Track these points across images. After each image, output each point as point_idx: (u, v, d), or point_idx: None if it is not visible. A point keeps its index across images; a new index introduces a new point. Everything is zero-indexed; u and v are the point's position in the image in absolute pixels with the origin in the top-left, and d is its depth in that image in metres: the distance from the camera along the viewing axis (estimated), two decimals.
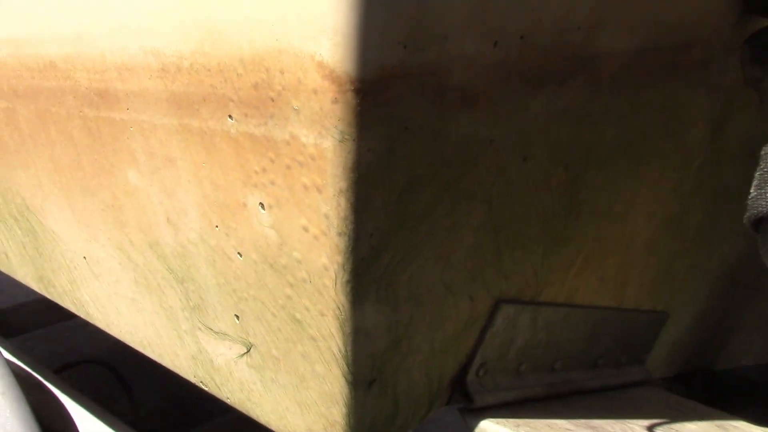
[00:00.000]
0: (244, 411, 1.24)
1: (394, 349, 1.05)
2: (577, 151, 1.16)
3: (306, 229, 0.93)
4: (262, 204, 0.97)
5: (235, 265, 1.07)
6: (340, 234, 0.89)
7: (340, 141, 0.83)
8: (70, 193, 1.34)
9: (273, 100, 0.88)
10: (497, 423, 1.19)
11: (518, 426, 1.18)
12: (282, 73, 0.85)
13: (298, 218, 0.93)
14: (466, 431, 1.21)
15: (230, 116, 0.95)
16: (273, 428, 1.20)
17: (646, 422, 1.38)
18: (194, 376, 1.31)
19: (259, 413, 1.21)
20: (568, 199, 1.21)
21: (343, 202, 0.87)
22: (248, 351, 1.14)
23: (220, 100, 0.95)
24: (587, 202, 1.25)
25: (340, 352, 0.99)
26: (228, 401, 1.27)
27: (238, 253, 1.06)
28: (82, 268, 1.44)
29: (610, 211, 1.34)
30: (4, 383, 2.00)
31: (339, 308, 0.95)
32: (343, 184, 0.86)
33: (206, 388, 1.30)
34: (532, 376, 1.38)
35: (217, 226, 1.07)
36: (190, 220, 1.11)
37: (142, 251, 1.25)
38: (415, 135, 0.89)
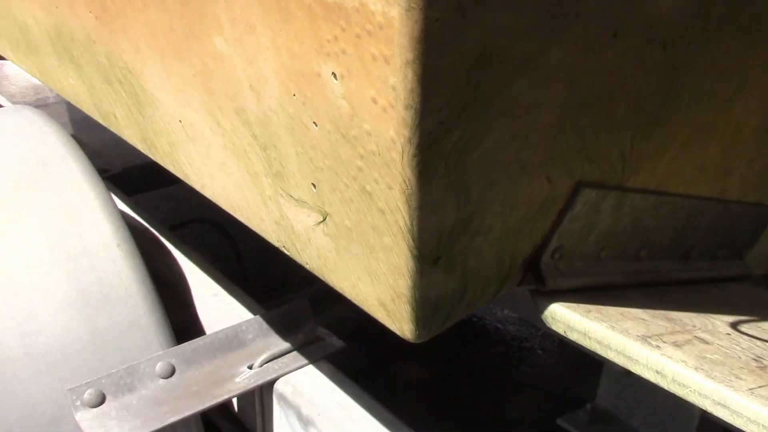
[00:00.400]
0: (321, 277, 1.29)
1: (463, 226, 1.05)
2: (678, 28, 1.07)
3: (375, 101, 0.92)
4: (334, 74, 0.97)
5: (311, 134, 1.09)
6: (406, 107, 0.88)
7: (406, 9, 0.80)
8: (165, 58, 1.38)
9: None
10: (567, 307, 1.18)
11: (589, 312, 1.17)
12: None
13: (368, 89, 0.92)
14: (536, 313, 1.21)
15: None
16: (347, 295, 1.25)
17: (731, 318, 1.34)
18: (278, 241, 1.36)
19: (333, 280, 1.25)
20: (666, 80, 1.13)
21: (410, 73, 0.85)
22: (324, 220, 1.17)
23: None
24: (688, 84, 1.16)
25: (406, 225, 1.00)
26: (307, 267, 1.32)
27: (314, 122, 1.06)
28: (178, 132, 1.50)
29: (714, 95, 1.24)
30: (119, 236, 2.16)
31: (405, 182, 0.95)
32: (409, 55, 0.83)
33: (288, 253, 1.36)
34: (612, 263, 1.35)
35: (294, 95, 1.07)
36: (270, 88, 1.12)
37: (229, 117, 1.28)
38: (489, 5, 0.84)
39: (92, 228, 2.12)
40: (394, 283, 1.09)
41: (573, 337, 1.15)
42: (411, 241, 1.01)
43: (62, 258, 2.07)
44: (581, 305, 1.19)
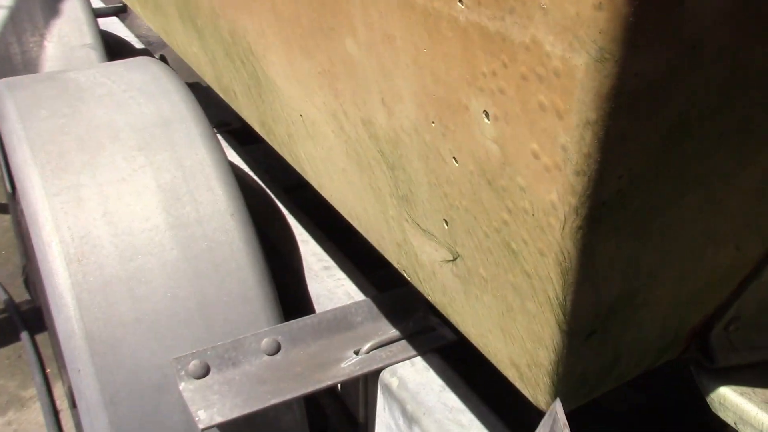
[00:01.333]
0: (444, 314, 1.14)
1: (626, 300, 0.86)
2: None
3: (536, 156, 0.74)
4: (486, 112, 0.79)
5: (449, 168, 0.92)
6: (577, 173, 0.69)
7: (596, 60, 0.61)
8: (290, 47, 1.23)
9: None
10: (741, 393, 0.98)
11: None
12: None
13: (528, 140, 0.74)
14: (702, 393, 1.01)
15: (460, 0, 0.75)
16: (472, 341, 1.09)
17: None
18: (398, 263, 1.21)
19: (459, 322, 1.10)
20: None
21: (588, 135, 0.66)
22: (454, 260, 1.01)
23: None
24: None
25: (557, 299, 0.82)
26: (429, 299, 1.17)
27: (454, 157, 0.89)
28: (298, 125, 1.36)
29: None
30: (234, 205, 2.08)
31: (563, 254, 0.77)
32: (591, 115, 0.64)
33: (409, 279, 1.21)
34: None
35: (433, 123, 0.90)
36: (405, 107, 0.95)
37: (354, 125, 1.13)
38: (706, 57, 0.63)
39: (207, 195, 2.06)
40: (533, 350, 0.92)
41: None
42: (561, 316, 0.84)
43: (176, 224, 2.02)
44: (758, 390, 0.98)
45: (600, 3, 0.58)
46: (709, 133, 0.70)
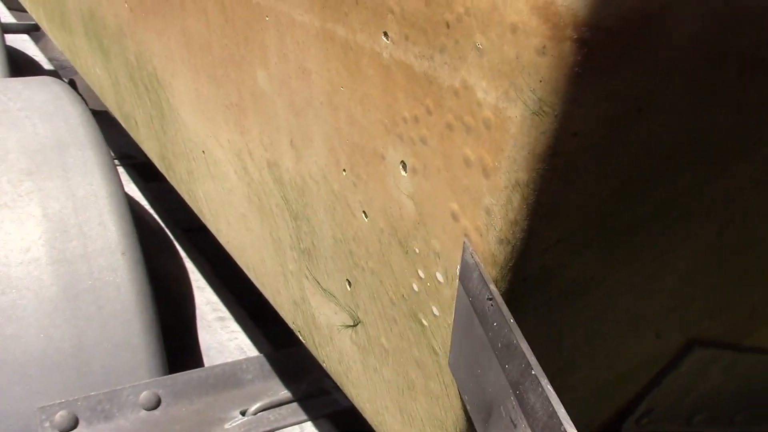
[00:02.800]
0: (338, 384, 1.03)
1: None
2: None
3: (455, 218, 0.65)
4: (404, 164, 0.70)
5: (357, 223, 0.82)
6: (501, 241, 0.60)
7: (534, 112, 0.53)
8: (198, 76, 1.12)
9: (448, 27, 0.58)
10: None
11: None
12: None
13: (448, 199, 0.65)
14: None
15: (386, 34, 0.66)
16: (367, 418, 0.98)
17: None
18: (293, 323, 1.10)
19: (354, 395, 0.98)
20: None
21: (516, 200, 0.57)
22: (354, 326, 0.91)
23: (378, 8, 0.66)
24: None
25: None
26: (324, 366, 1.06)
27: (364, 211, 0.80)
28: (199, 162, 1.24)
29: None
30: (126, 243, 1.93)
31: None
32: (522, 176, 0.56)
33: (303, 341, 1.09)
34: (704, 427, 1.06)
35: (344, 171, 0.81)
36: (315, 151, 0.85)
37: (259, 167, 1.02)
38: (653, 118, 0.56)
39: (98, 230, 1.90)
40: None
41: None
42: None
43: (59, 258, 1.85)
44: None
45: (544, 47, 0.50)
46: (649, 204, 0.63)
